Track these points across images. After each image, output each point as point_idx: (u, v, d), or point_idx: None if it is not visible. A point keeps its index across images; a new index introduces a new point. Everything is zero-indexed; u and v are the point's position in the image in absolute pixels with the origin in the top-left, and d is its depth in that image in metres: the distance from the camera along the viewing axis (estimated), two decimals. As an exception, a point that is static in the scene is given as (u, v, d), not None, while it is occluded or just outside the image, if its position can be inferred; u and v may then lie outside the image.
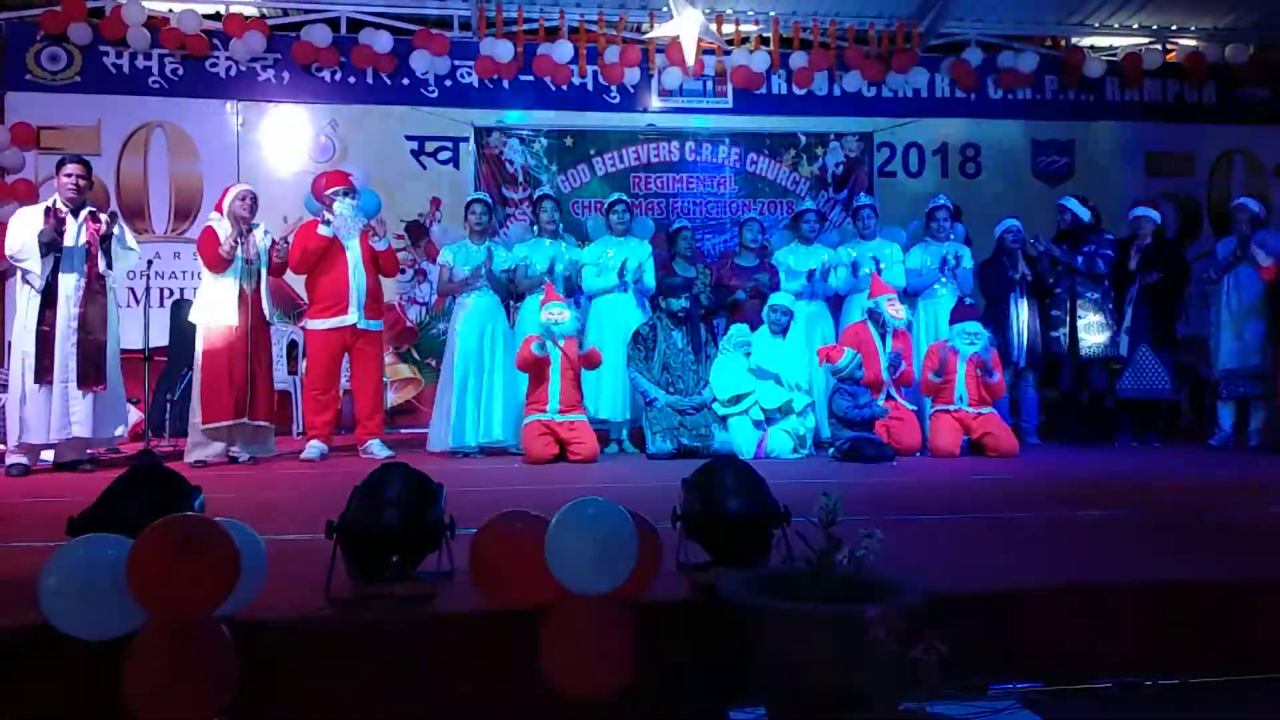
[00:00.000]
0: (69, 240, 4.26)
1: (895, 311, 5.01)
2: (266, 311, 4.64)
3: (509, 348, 5.09)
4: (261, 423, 4.60)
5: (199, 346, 4.54)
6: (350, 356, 5.01)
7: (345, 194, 4.89)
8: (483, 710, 1.57)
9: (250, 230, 4.60)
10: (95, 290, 4.32)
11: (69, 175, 4.32)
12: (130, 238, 4.60)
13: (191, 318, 4.62)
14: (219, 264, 4.47)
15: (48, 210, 4.29)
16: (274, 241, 4.69)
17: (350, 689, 1.56)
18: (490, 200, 5.60)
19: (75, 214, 4.32)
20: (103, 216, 4.40)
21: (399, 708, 1.56)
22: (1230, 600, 1.80)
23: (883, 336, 5.00)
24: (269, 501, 3.26)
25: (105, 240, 4.33)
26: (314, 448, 4.79)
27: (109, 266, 4.37)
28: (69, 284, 4.25)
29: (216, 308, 4.49)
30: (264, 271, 4.63)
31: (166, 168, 6.64)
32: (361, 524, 1.77)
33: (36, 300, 4.22)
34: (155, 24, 6.57)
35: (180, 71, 6.66)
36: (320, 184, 5.19)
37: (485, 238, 5.23)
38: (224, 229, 4.54)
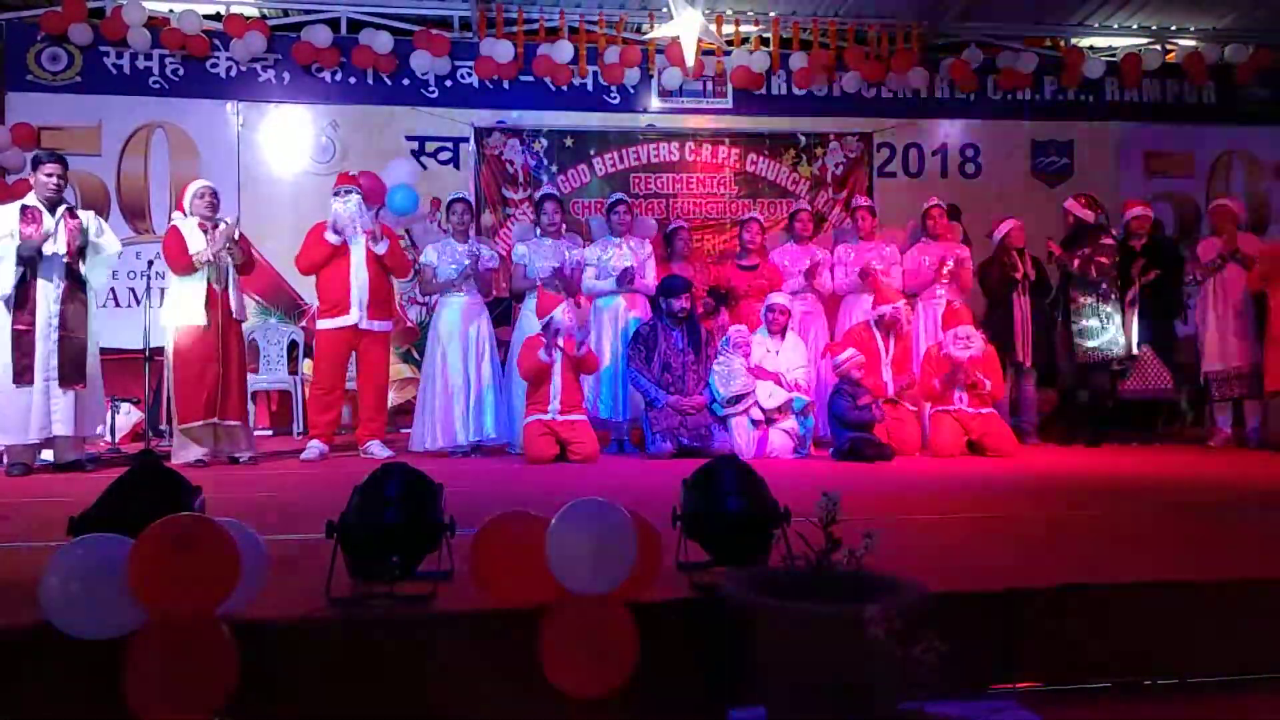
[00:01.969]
0: (46, 249, 4.22)
1: (906, 318, 5.04)
2: (235, 309, 4.59)
3: (495, 346, 5.13)
4: (232, 422, 4.54)
5: (169, 348, 4.50)
6: (356, 356, 5.01)
7: (340, 194, 4.89)
8: (483, 710, 1.58)
9: (214, 227, 4.53)
10: (75, 289, 4.30)
11: (49, 175, 4.29)
12: (109, 234, 4.54)
13: (161, 320, 4.59)
14: (186, 268, 4.42)
15: (24, 209, 4.25)
16: (227, 242, 4.54)
17: (350, 689, 1.56)
18: (471, 200, 5.60)
19: (52, 211, 4.30)
20: (82, 213, 4.37)
21: (399, 707, 1.56)
22: (1229, 600, 1.80)
23: (885, 342, 5.00)
24: (269, 501, 3.26)
25: (82, 250, 4.29)
26: (314, 448, 4.79)
27: (86, 272, 4.35)
28: (49, 283, 4.22)
29: (185, 308, 4.44)
30: (232, 268, 4.57)
31: (167, 168, 6.64)
32: (362, 524, 1.77)
33: (13, 299, 4.17)
34: (156, 24, 6.58)
35: (181, 72, 6.66)
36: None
37: (467, 237, 5.22)
38: (188, 228, 4.49)
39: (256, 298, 6.53)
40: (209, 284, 4.46)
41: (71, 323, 4.26)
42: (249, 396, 4.97)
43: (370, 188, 5.27)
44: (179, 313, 4.46)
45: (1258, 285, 5.18)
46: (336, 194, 4.92)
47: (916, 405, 5.11)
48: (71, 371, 4.24)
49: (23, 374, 4.16)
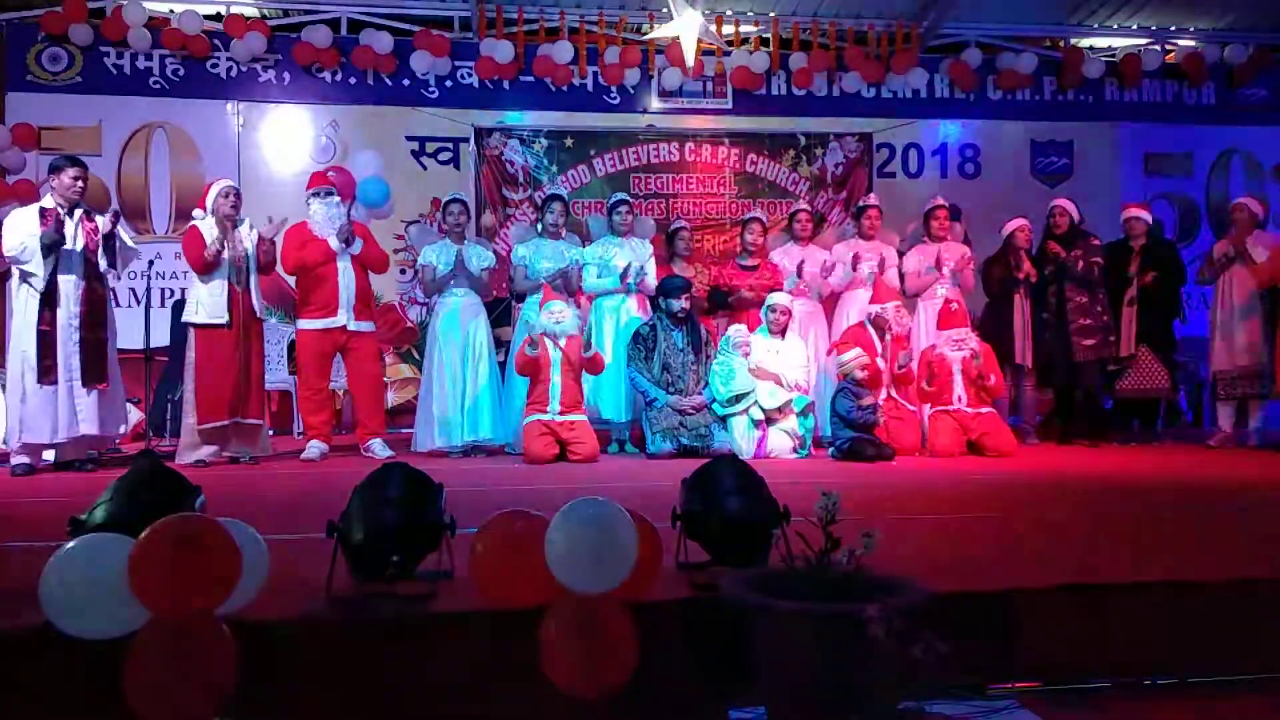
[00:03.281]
0: (67, 240, 4.25)
1: (901, 319, 5.05)
2: (257, 308, 4.62)
3: (493, 346, 5.15)
4: (254, 421, 4.59)
5: (191, 347, 4.52)
6: (344, 358, 5.00)
7: (321, 194, 4.90)
8: (483, 710, 1.58)
9: (235, 227, 4.57)
10: (95, 289, 4.32)
11: (73, 178, 4.31)
12: (127, 235, 4.59)
13: (184, 319, 4.61)
14: (205, 267, 4.45)
15: (43, 210, 4.26)
16: (260, 241, 4.63)
17: (350, 689, 1.56)
18: (468, 201, 5.61)
19: (70, 214, 4.31)
20: (99, 217, 4.38)
21: (399, 708, 1.56)
22: (1229, 600, 1.80)
23: (882, 341, 5.01)
24: (270, 501, 3.26)
25: (109, 239, 4.33)
26: (314, 447, 4.80)
27: (111, 265, 4.37)
28: (69, 284, 4.25)
29: (208, 308, 4.47)
30: (253, 268, 4.60)
31: (168, 168, 6.65)
32: (362, 523, 1.77)
33: (36, 300, 4.20)
34: (156, 25, 6.58)
35: (181, 72, 6.67)
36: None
37: (463, 238, 5.23)
38: (208, 228, 4.51)
39: (256, 298, 6.53)
40: (230, 284, 4.49)
41: (93, 323, 4.28)
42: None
43: (342, 183, 5.27)
44: (202, 313, 4.48)
45: (1267, 282, 5.18)
46: (316, 194, 4.91)
47: (915, 404, 5.12)
48: (94, 371, 4.26)
49: (46, 373, 4.18)
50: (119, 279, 4.64)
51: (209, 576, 1.43)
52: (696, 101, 7.18)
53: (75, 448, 4.37)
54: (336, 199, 4.92)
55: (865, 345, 4.94)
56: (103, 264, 4.33)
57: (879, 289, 5.17)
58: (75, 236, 4.27)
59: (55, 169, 4.37)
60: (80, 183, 4.33)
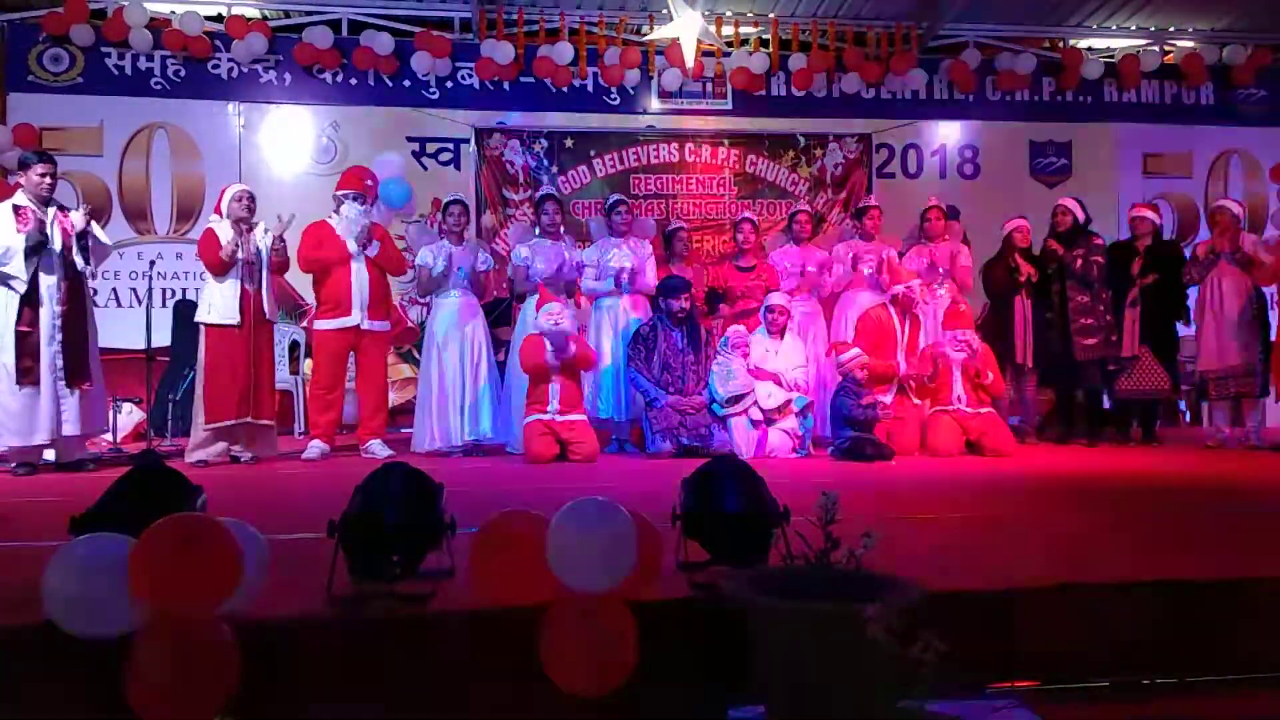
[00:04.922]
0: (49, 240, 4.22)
1: (928, 294, 5.04)
2: (268, 311, 4.65)
3: (491, 346, 5.18)
4: (264, 421, 4.62)
5: (202, 347, 4.56)
6: (355, 356, 5.02)
7: (355, 197, 4.91)
8: (483, 710, 1.58)
9: (250, 230, 4.60)
10: (75, 287, 4.29)
11: (42, 174, 4.25)
12: (101, 232, 4.57)
13: (196, 319, 4.63)
14: (219, 267, 4.49)
15: (16, 209, 4.20)
16: (273, 241, 4.68)
17: (350, 688, 1.56)
18: (468, 202, 5.62)
19: (44, 211, 4.26)
20: (73, 213, 4.35)
21: (399, 708, 1.56)
22: (1229, 600, 1.80)
23: (902, 323, 4.99)
24: (270, 501, 3.27)
25: (82, 237, 4.30)
26: (315, 447, 4.81)
27: (87, 262, 4.34)
28: (50, 284, 4.21)
29: (220, 308, 4.50)
30: (265, 271, 4.64)
31: (169, 169, 6.66)
32: (362, 523, 1.77)
33: (15, 301, 4.16)
34: (157, 25, 6.60)
35: (182, 73, 6.68)
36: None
37: (462, 239, 5.23)
38: (224, 230, 4.54)
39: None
40: (242, 285, 4.51)
41: (74, 322, 4.26)
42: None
43: (370, 189, 5.28)
44: (214, 313, 4.51)
45: (1270, 281, 5.20)
46: (349, 196, 4.92)
47: (921, 398, 5.11)
48: (77, 371, 4.25)
49: (27, 375, 4.15)
50: (94, 276, 4.61)
51: (209, 576, 1.43)
52: (696, 102, 7.18)
53: (75, 448, 4.37)
54: (366, 205, 4.95)
55: (885, 330, 4.92)
56: (79, 262, 4.29)
57: (895, 271, 5.15)
58: (53, 235, 4.23)
59: (24, 165, 4.31)
60: (49, 179, 4.28)
